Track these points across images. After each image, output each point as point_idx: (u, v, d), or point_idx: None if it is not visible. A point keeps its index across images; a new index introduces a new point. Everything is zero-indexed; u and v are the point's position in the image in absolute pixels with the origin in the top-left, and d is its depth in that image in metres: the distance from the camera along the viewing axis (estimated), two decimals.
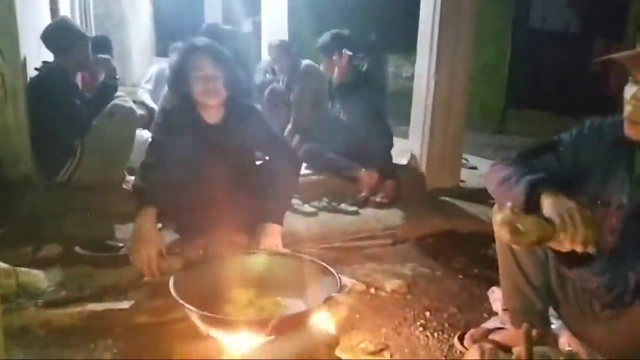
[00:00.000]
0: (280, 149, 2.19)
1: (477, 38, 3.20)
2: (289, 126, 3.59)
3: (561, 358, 1.33)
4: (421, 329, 1.79)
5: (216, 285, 1.66)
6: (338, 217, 2.80)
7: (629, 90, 1.19)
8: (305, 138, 3.36)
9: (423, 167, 3.29)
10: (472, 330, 1.69)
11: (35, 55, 2.77)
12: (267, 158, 2.28)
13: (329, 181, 3.11)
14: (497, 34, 6.21)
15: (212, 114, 2.07)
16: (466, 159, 3.85)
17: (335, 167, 3.13)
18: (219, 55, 2.01)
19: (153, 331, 1.66)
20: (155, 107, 4.15)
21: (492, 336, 1.63)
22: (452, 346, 1.68)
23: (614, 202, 1.30)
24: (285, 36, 5.21)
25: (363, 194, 3.01)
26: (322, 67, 3.34)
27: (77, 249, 2.17)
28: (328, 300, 1.50)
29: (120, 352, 1.57)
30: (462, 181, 3.44)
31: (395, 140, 3.35)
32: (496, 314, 1.81)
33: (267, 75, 4.46)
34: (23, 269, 1.89)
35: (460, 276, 2.26)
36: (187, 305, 1.41)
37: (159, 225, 1.88)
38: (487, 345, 1.47)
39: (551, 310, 1.55)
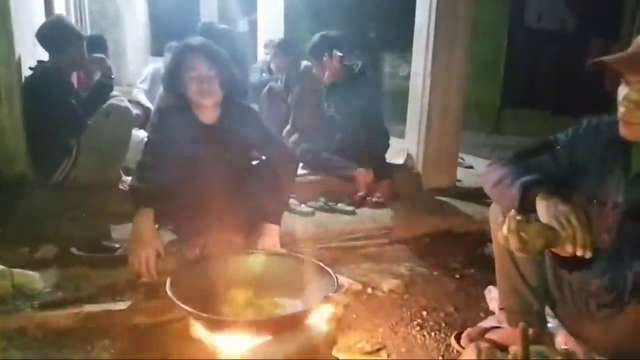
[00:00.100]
0: (277, 148, 2.18)
1: (473, 37, 3.21)
2: (287, 126, 3.58)
3: (558, 357, 1.34)
4: (418, 328, 1.79)
5: (213, 286, 1.65)
6: (335, 217, 2.80)
7: (622, 92, 1.21)
8: (303, 138, 3.36)
9: (419, 167, 3.30)
10: (468, 330, 1.70)
11: (30, 54, 2.76)
12: (263, 158, 2.27)
13: (325, 181, 3.11)
14: (493, 33, 6.22)
15: (208, 114, 2.07)
16: (462, 159, 3.86)
17: (331, 167, 3.13)
18: (214, 55, 2.00)
19: (150, 332, 1.66)
20: (151, 106, 4.14)
21: (488, 335, 1.63)
22: (449, 345, 1.68)
23: (610, 201, 1.30)
24: (281, 35, 5.21)
25: (360, 193, 3.02)
26: (314, 70, 3.33)
27: (74, 249, 2.16)
28: (325, 300, 1.50)
29: (117, 352, 1.57)
30: (459, 180, 3.44)
31: (392, 139, 3.36)
32: (493, 313, 1.82)
33: (264, 74, 4.46)
34: (19, 270, 1.88)
35: (457, 275, 2.26)
36: (184, 306, 1.41)
37: (156, 225, 1.87)
38: (484, 345, 1.48)
39: (548, 310, 1.56)
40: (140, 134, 3.34)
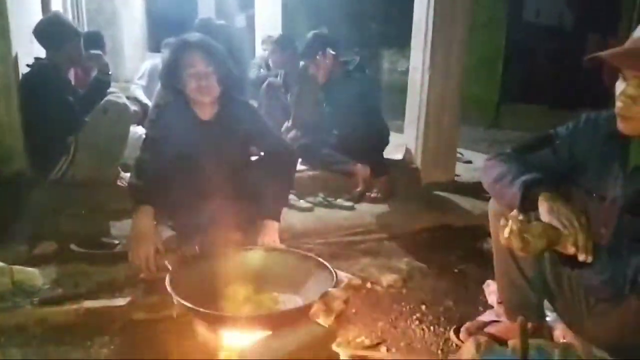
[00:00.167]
0: (276, 144, 2.18)
1: (471, 32, 3.20)
2: (286, 123, 3.58)
3: (555, 350, 1.34)
4: (417, 322, 1.80)
5: (213, 282, 1.66)
6: (334, 212, 2.81)
7: (619, 87, 1.21)
8: (302, 134, 3.36)
9: (418, 162, 3.30)
10: (467, 324, 1.70)
11: (28, 51, 2.75)
12: (262, 154, 2.27)
13: (324, 177, 3.11)
14: (492, 29, 6.22)
15: (206, 110, 2.06)
16: (461, 153, 3.86)
17: (330, 162, 3.13)
18: (212, 51, 1.99)
19: (150, 328, 1.66)
20: (149, 103, 4.13)
21: (487, 329, 1.64)
22: (448, 339, 1.69)
23: (609, 195, 1.31)
24: (279, 31, 5.20)
25: (358, 189, 3.02)
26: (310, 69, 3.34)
27: (73, 246, 2.17)
28: (324, 295, 1.50)
29: (117, 349, 1.57)
30: (457, 175, 3.45)
31: (391, 134, 3.35)
32: (491, 307, 1.83)
33: (262, 70, 4.46)
34: (18, 267, 1.88)
35: (456, 270, 2.27)
36: (184, 302, 1.41)
37: (155, 222, 1.88)
38: (483, 338, 1.48)
39: (546, 303, 1.56)
40: (138, 131, 3.33)
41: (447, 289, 2.08)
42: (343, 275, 2.01)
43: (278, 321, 1.42)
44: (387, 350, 1.62)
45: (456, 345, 1.64)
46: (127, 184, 2.20)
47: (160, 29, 6.17)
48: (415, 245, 2.53)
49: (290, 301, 1.64)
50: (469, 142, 4.44)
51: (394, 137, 3.44)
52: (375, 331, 1.72)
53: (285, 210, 2.17)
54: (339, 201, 2.91)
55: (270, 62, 4.19)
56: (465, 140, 4.15)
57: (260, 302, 1.64)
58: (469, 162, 3.88)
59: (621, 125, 1.23)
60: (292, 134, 3.39)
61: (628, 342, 1.30)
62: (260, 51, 4.96)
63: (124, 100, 2.82)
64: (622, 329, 1.30)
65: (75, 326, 1.66)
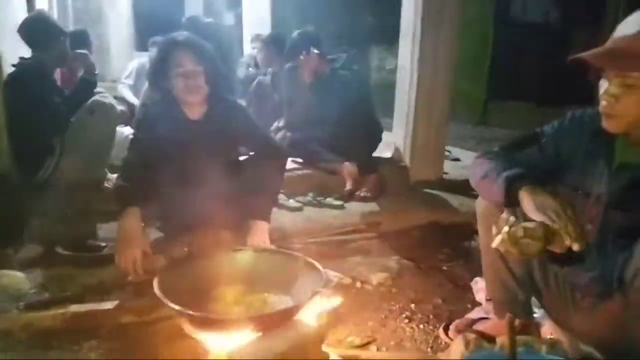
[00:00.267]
0: (266, 144, 2.17)
1: (458, 30, 3.21)
2: (276, 123, 3.57)
3: (543, 346, 1.36)
4: (407, 321, 1.80)
5: (202, 283, 1.65)
6: (323, 211, 2.80)
7: (602, 86, 1.23)
8: (292, 129, 3.35)
9: (407, 160, 3.31)
10: (456, 321, 1.71)
11: (12, 50, 2.71)
12: (251, 153, 2.26)
13: (313, 176, 3.11)
14: (479, 26, 6.25)
15: (195, 110, 2.05)
16: (449, 151, 3.88)
17: (318, 159, 3.13)
18: (200, 50, 1.97)
19: (138, 331, 1.65)
20: (136, 102, 4.10)
21: (476, 326, 1.65)
22: (437, 337, 1.70)
23: (594, 192, 1.32)
24: (268, 28, 5.18)
25: (347, 187, 3.02)
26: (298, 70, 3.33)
27: (59, 249, 2.14)
28: (314, 295, 1.50)
29: (105, 352, 1.56)
30: (446, 173, 3.47)
31: None
32: (480, 304, 1.84)
33: (251, 69, 4.44)
34: (3, 271, 1.86)
35: (445, 267, 2.28)
36: (172, 305, 1.40)
37: (143, 224, 1.86)
38: (472, 336, 1.50)
39: (534, 300, 1.58)
40: (125, 131, 3.30)
41: (436, 287, 2.09)
42: (333, 275, 2.02)
43: (268, 322, 1.41)
44: (377, 349, 1.62)
45: (445, 342, 1.65)
46: (113, 185, 2.17)
47: (147, 27, 6.11)
48: (404, 243, 2.54)
49: (280, 302, 1.64)
50: (457, 140, 4.46)
51: (383, 135, 3.44)
52: (365, 330, 1.73)
53: (274, 210, 2.16)
54: (329, 200, 2.91)
55: (258, 59, 4.17)
56: (453, 137, 4.17)
57: (250, 303, 1.63)
58: (457, 159, 3.90)
59: (606, 124, 1.25)
60: (281, 134, 3.38)
61: (614, 337, 1.32)
62: (249, 49, 4.94)
63: (110, 100, 2.80)
64: (608, 325, 1.32)
65: (62, 331, 1.64)
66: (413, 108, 3.21)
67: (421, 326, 1.77)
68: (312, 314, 1.54)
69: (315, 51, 3.12)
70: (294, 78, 3.31)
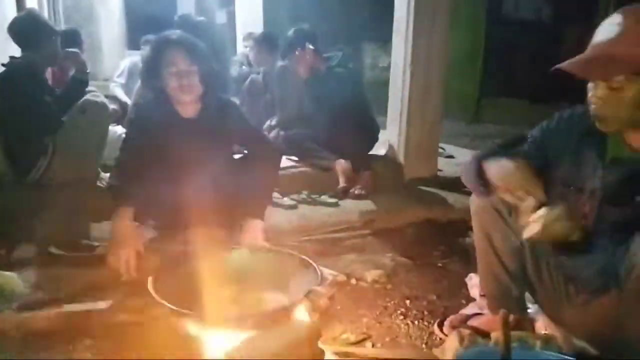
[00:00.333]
0: (260, 143, 2.17)
1: (451, 27, 3.22)
2: (269, 121, 3.56)
3: (537, 342, 1.37)
4: (402, 317, 1.81)
5: (197, 282, 1.64)
6: (318, 209, 2.81)
7: (589, 89, 1.26)
8: (286, 128, 3.35)
9: (401, 157, 3.32)
10: (451, 317, 1.72)
11: (2, 49, 2.68)
12: (245, 152, 2.26)
13: (308, 174, 3.11)
14: (472, 23, 6.27)
15: (188, 108, 2.04)
16: (443, 148, 3.89)
17: (311, 156, 3.14)
18: (193, 49, 1.97)
19: (133, 330, 1.64)
20: (129, 101, 4.08)
21: (470, 322, 1.66)
22: (432, 333, 1.70)
23: (587, 187, 1.33)
24: (260, 26, 5.16)
25: (341, 184, 3.02)
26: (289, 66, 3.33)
27: (52, 249, 2.12)
28: (309, 293, 1.50)
29: (100, 352, 1.55)
30: (440, 170, 3.47)
31: None
32: (474, 300, 1.85)
33: (244, 67, 4.42)
34: None
35: (439, 264, 2.29)
36: (167, 304, 1.40)
37: (136, 224, 1.85)
38: (466, 331, 1.51)
39: (527, 296, 1.59)
40: (117, 130, 3.28)
41: (431, 283, 2.10)
42: (328, 272, 2.02)
43: (263, 320, 1.41)
44: (372, 345, 1.63)
45: (440, 338, 1.66)
46: (106, 185, 2.16)
47: (139, 25, 6.08)
48: (399, 240, 2.55)
49: (275, 300, 1.64)
50: (451, 137, 4.47)
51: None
52: (360, 327, 1.73)
53: (269, 208, 2.16)
54: (323, 198, 2.91)
55: (250, 57, 4.16)
56: (447, 135, 4.18)
57: (245, 301, 1.63)
58: (451, 156, 3.91)
59: (598, 125, 1.27)
60: (274, 133, 3.38)
61: (608, 332, 1.33)
62: (242, 48, 4.92)
63: (102, 99, 2.77)
64: (602, 320, 1.33)
65: (56, 331, 1.63)
66: (407, 105, 3.21)
67: (416, 322, 1.78)
68: (307, 311, 1.54)
69: (311, 47, 3.12)
70: (287, 76, 3.31)
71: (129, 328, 1.65)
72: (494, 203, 1.46)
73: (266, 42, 3.77)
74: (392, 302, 1.92)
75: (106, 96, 3.03)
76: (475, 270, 1.75)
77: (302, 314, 1.51)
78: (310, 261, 1.64)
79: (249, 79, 3.85)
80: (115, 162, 1.98)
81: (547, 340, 1.39)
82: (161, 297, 1.41)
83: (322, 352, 1.47)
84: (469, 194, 1.58)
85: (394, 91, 3.32)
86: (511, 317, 1.44)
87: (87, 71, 2.84)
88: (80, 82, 2.78)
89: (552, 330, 1.52)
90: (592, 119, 1.26)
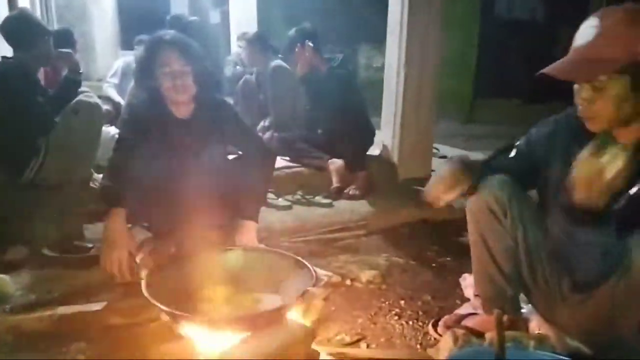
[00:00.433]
0: (254, 143, 2.16)
1: (445, 28, 3.23)
2: (262, 122, 3.56)
3: (531, 342, 1.37)
4: (396, 318, 1.81)
5: (191, 284, 1.64)
6: (312, 209, 2.81)
7: (576, 90, 1.28)
8: (279, 128, 3.35)
9: (395, 158, 3.32)
10: (445, 317, 1.72)
11: None
12: (239, 153, 2.25)
13: (302, 174, 3.10)
14: (465, 24, 6.29)
15: (182, 109, 2.03)
16: (437, 149, 3.90)
17: (304, 156, 3.14)
18: (187, 49, 1.96)
19: (127, 332, 1.63)
20: (122, 101, 4.06)
21: (465, 322, 1.66)
22: (426, 333, 1.71)
23: None
24: (254, 26, 5.15)
25: (335, 184, 3.02)
26: (287, 64, 3.34)
27: (45, 250, 2.11)
28: (304, 294, 1.50)
29: (93, 354, 1.54)
30: (433, 170, 3.48)
31: None
32: (468, 300, 1.85)
33: (237, 67, 4.41)
34: None
35: (434, 264, 2.30)
36: (161, 306, 1.39)
37: (129, 225, 1.84)
38: (460, 331, 1.51)
39: (522, 296, 1.59)
40: (111, 131, 3.27)
41: (426, 283, 2.10)
42: (322, 273, 2.02)
43: (257, 322, 1.41)
44: (367, 346, 1.63)
45: (435, 338, 1.66)
46: (99, 186, 2.15)
47: (132, 25, 6.05)
48: (393, 240, 2.55)
49: (269, 301, 1.64)
50: (445, 137, 4.48)
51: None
52: (355, 328, 1.73)
53: (263, 209, 2.16)
54: (317, 198, 2.91)
55: (243, 58, 4.16)
56: (441, 135, 4.19)
57: (240, 302, 1.63)
58: (445, 157, 3.92)
59: (587, 125, 1.29)
60: (268, 134, 3.38)
61: (602, 332, 1.34)
62: (236, 48, 4.91)
63: (95, 99, 2.76)
64: (596, 320, 1.34)
65: (49, 333, 1.62)
66: (401, 106, 3.22)
67: (410, 323, 1.78)
68: (301, 312, 1.54)
69: (310, 44, 3.13)
70: (281, 76, 3.32)
71: (122, 330, 1.64)
72: (489, 204, 1.46)
73: (259, 42, 3.76)
74: (387, 302, 1.92)
75: (99, 96, 3.02)
76: (469, 271, 1.76)
77: (296, 315, 1.51)
78: (305, 262, 1.64)
79: (242, 79, 3.84)
80: (108, 163, 1.97)
81: (541, 340, 1.39)
82: (155, 299, 1.41)
83: (317, 353, 1.47)
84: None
85: (388, 92, 3.33)
86: (505, 317, 1.45)
87: (80, 71, 2.83)
88: (73, 82, 2.77)
89: (545, 330, 1.52)
90: (581, 119, 1.29)
